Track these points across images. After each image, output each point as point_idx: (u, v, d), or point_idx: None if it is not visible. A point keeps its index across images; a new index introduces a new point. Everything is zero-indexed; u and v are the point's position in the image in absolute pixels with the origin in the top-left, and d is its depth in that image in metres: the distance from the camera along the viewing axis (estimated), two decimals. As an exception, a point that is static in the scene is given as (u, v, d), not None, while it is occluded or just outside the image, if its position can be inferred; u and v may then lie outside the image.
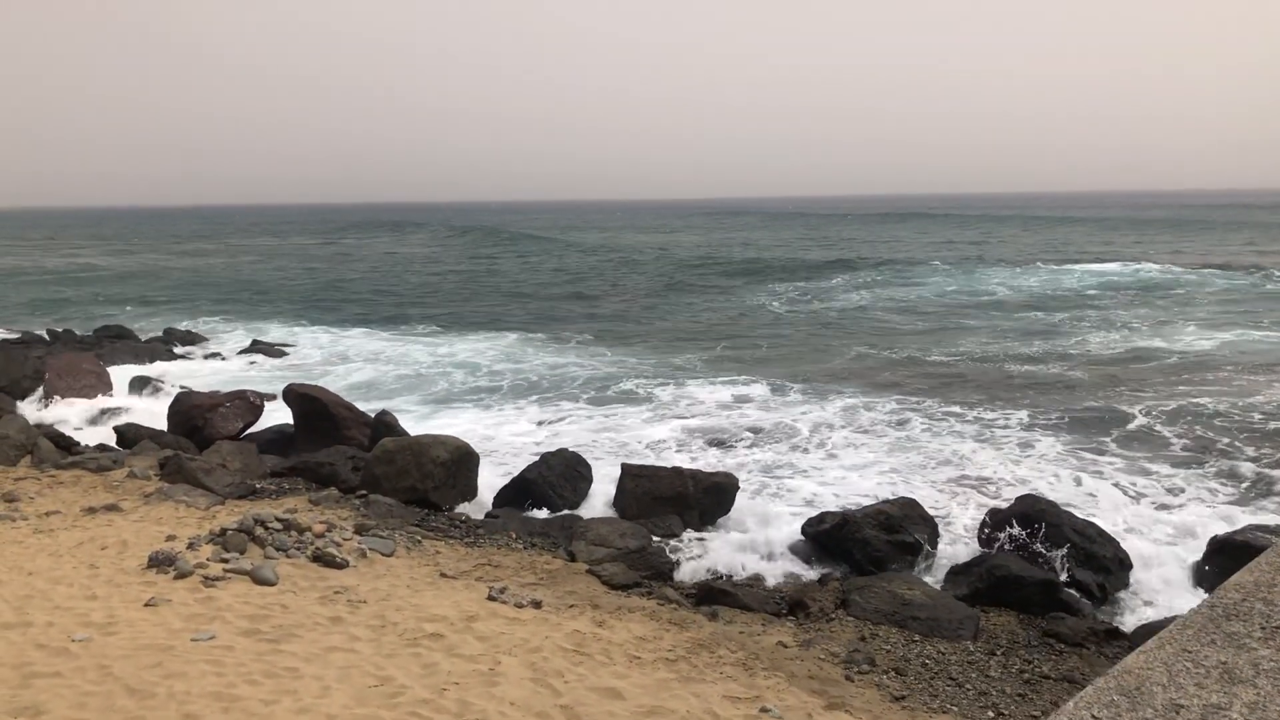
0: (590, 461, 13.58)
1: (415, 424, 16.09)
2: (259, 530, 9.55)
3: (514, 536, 11.30)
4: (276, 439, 15.30)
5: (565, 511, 12.46)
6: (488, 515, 12.42)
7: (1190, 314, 31.48)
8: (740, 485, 12.91)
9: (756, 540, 11.50)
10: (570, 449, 13.85)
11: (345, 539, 10.03)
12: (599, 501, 12.90)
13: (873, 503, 11.80)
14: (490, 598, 8.70)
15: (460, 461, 13.06)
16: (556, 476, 12.83)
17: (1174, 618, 9.16)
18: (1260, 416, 17.05)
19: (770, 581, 10.48)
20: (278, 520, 9.77)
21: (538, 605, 8.69)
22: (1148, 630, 9.17)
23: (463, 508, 12.69)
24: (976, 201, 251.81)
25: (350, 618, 7.89)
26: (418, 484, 12.72)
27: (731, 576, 10.57)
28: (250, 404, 15.69)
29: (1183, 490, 13.13)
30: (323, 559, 9.32)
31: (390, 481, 12.75)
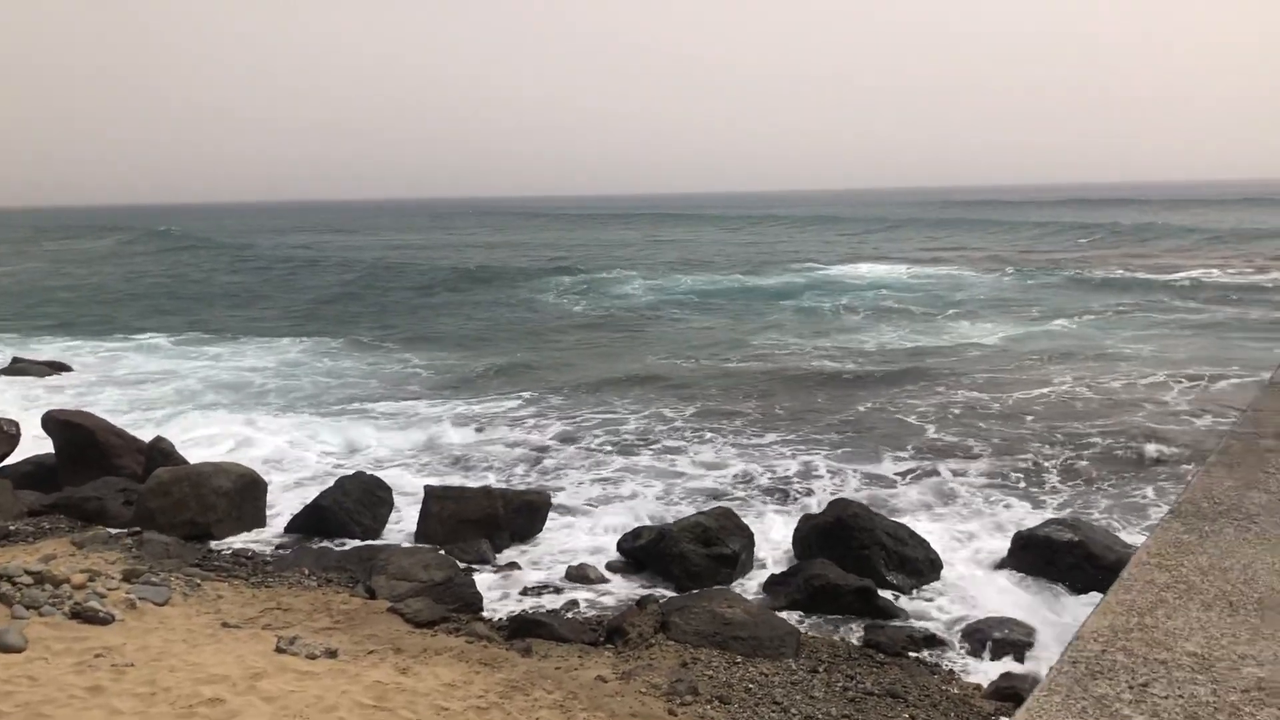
0: (391, 484, 12.76)
1: (195, 450, 14.79)
2: (4, 586, 8.36)
3: (307, 573, 10.39)
4: (35, 472, 13.74)
5: (365, 541, 11.61)
6: (278, 548, 11.45)
7: (967, 311, 32.91)
8: (553, 502, 12.40)
9: (571, 561, 11.01)
10: (369, 471, 12.99)
11: (111, 588, 8.92)
12: (403, 527, 12.12)
13: (689, 514, 11.49)
14: (279, 649, 7.84)
15: (245, 490, 12.02)
16: (354, 502, 11.95)
17: (994, 616, 9.40)
18: (1044, 409, 17.78)
19: (586, 606, 9.98)
20: (28, 574, 8.58)
21: (333, 655, 7.89)
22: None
23: (250, 541, 11.66)
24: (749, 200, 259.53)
25: (113, 686, 6.91)
26: (198, 517, 11.62)
27: (546, 605, 10.01)
28: (2, 433, 14.04)
29: (985, 487, 13.40)
30: (83, 615, 8.23)
31: (167, 516, 11.60)
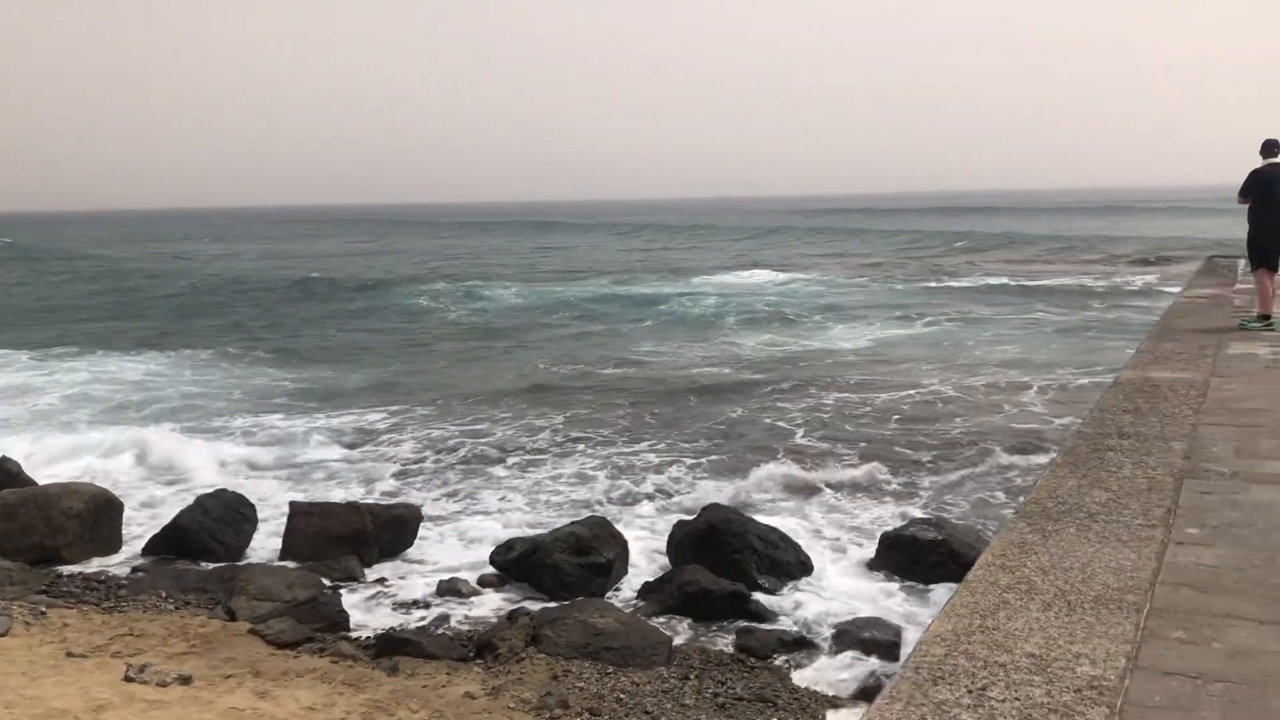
0: (256, 501, 12.35)
1: (48, 469, 14.08)
2: None
3: (164, 595, 9.97)
4: None
5: (228, 561, 11.19)
6: (134, 571, 10.95)
7: (839, 316, 33.57)
8: (424, 516, 12.17)
9: (442, 575, 10.81)
10: (232, 488, 12.55)
11: (-57, 621, 8.41)
12: (267, 545, 11.73)
13: (563, 524, 11.40)
14: (127, 678, 7.48)
15: (99, 511, 11.49)
16: (215, 521, 11.52)
17: (863, 618, 9.56)
18: (911, 410, 18.25)
19: (457, 621, 9.80)
20: None
21: (186, 681, 7.56)
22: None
23: (104, 565, 11.13)
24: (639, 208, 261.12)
25: (-59, 727, 6.50)
26: (46, 540, 11.07)
27: (415, 621, 9.79)
28: None
29: (854, 489, 13.65)
30: (-89, 650, 7.72)
31: (11, 540, 11.01)
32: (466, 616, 9.94)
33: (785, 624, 9.75)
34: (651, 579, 10.63)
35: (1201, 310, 13.59)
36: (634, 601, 10.30)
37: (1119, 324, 29.44)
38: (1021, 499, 6.16)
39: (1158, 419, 7.17)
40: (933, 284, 44.50)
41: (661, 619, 9.80)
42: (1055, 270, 50.40)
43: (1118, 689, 3.24)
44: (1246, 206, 12.01)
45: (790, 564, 10.79)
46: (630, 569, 11.07)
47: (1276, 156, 11.68)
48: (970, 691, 3.19)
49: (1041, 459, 14.33)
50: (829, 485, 13.75)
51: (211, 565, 11.04)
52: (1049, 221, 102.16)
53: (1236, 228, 12.92)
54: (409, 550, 11.59)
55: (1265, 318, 11.88)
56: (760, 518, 11.75)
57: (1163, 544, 4.66)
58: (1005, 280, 44.92)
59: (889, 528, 11.46)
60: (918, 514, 12.27)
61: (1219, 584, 4.20)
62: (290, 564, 11.00)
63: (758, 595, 10.21)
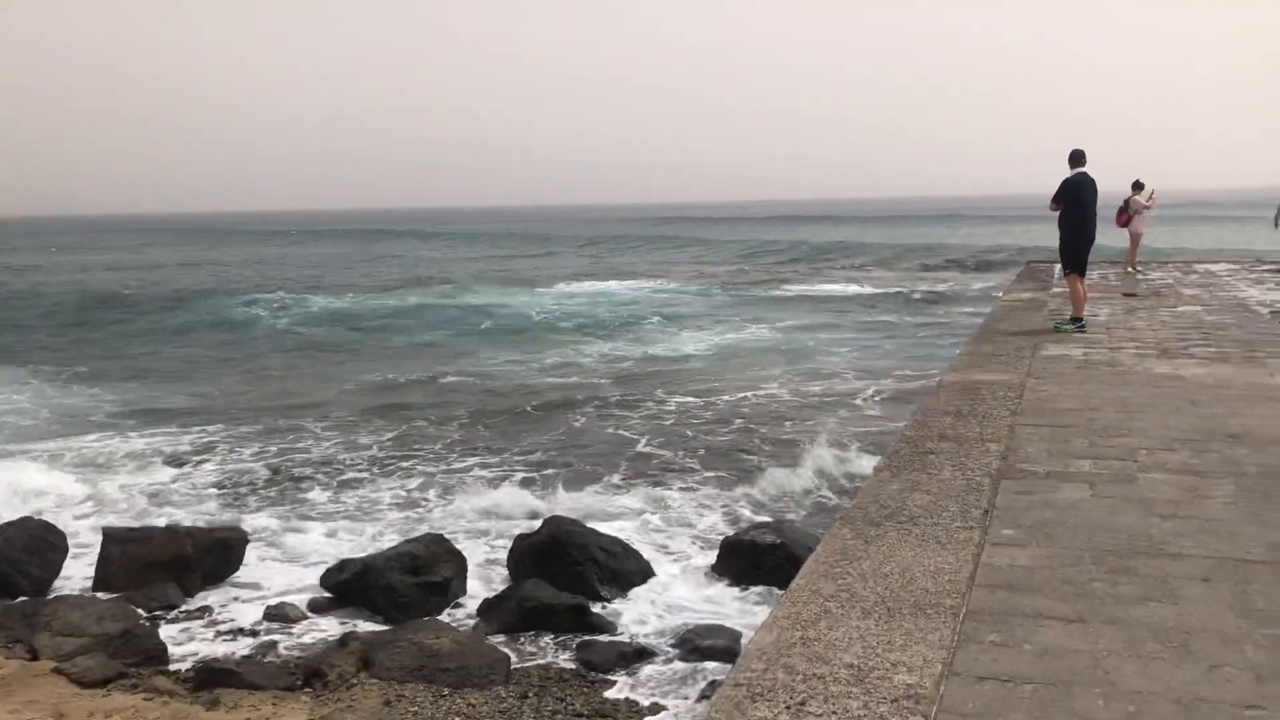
0: (65, 528, 11.57)
1: None
2: None
3: (-44, 637, 9.19)
4: None
5: (32, 596, 10.41)
6: (-76, 611, 10.07)
7: (679, 324, 33.83)
8: (250, 538, 11.62)
9: (270, 600, 10.33)
10: (39, 516, 11.73)
11: None
12: (79, 576, 10.98)
13: (397, 543, 11.06)
14: (-90, 731, 6.85)
15: (-117, 547, 10.53)
16: (18, 551, 10.71)
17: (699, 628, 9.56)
18: (751, 415, 18.51)
19: (285, 649, 9.36)
20: None
21: (-21, 730, 6.97)
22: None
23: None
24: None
25: None
26: None
27: (240, 650, 9.31)
28: None
29: (696, 495, 13.71)
30: None
31: None
32: (295, 643, 9.51)
33: (627, 635, 9.66)
34: (491, 595, 10.40)
35: (1020, 313, 14.18)
36: (473, 620, 10.05)
37: (950, 327, 30.62)
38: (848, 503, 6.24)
39: (977, 421, 7.39)
40: (773, 291, 45.45)
41: (501, 637, 9.59)
42: (891, 277, 52.19)
43: (933, 697, 3.25)
44: (1058, 214, 12.57)
45: (632, 574, 10.73)
46: (470, 586, 10.80)
47: (1084, 166, 12.28)
48: (789, 708, 3.14)
49: (875, 461, 14.70)
50: (671, 493, 13.77)
51: (14, 601, 10.25)
52: (887, 229, 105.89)
53: (1052, 235, 13.52)
54: (235, 575, 11.04)
55: (1077, 320, 12.48)
56: (602, 528, 11.66)
57: (980, 546, 4.75)
58: (843, 286, 46.26)
59: (729, 533, 11.53)
60: (757, 518, 12.39)
61: (1031, 584, 4.29)
62: (104, 595, 10.32)
63: (599, 607, 10.11)
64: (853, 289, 44.82)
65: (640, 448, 16.30)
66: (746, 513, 12.89)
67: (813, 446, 15.88)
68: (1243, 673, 3.46)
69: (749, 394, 20.46)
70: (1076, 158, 12.29)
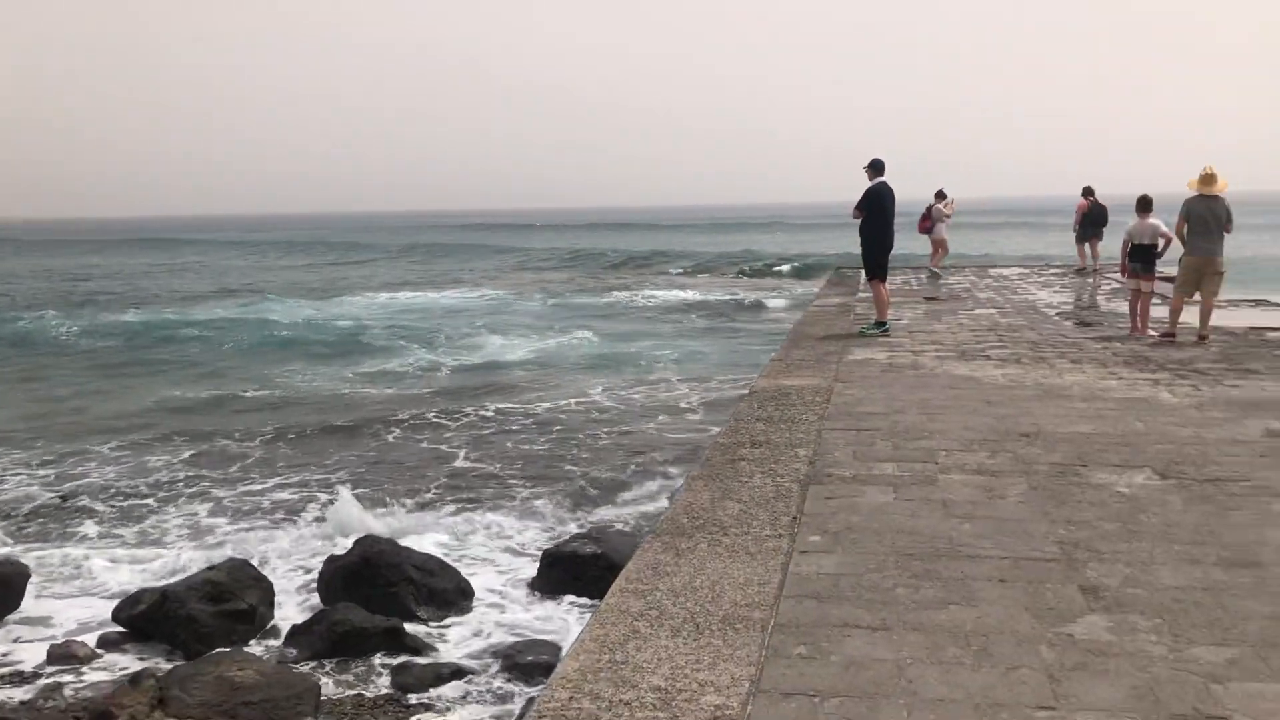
0: None
1: None
2: None
3: None
4: None
5: None
6: None
7: (499, 331, 33.45)
8: (31, 572, 10.75)
9: (56, 638, 9.57)
10: None
11: None
12: None
13: (197, 571, 10.43)
14: None
15: None
16: None
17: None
18: (572, 423, 18.41)
19: (71, 691, 8.67)
20: None
21: None
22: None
23: None
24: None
25: None
26: None
27: (19, 696, 8.56)
28: None
29: (517, 506, 13.50)
30: None
31: None
32: (83, 684, 8.82)
33: (445, 656, 9.39)
34: (301, 621, 9.93)
35: (829, 318, 14.57)
36: (280, 648, 9.56)
37: (768, 333, 31.34)
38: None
39: (787, 426, 7.48)
40: (597, 298, 45.57)
41: (311, 664, 9.16)
42: (714, 283, 53.14)
43: (740, 718, 3.18)
44: (860, 222, 12.90)
45: (450, 592, 10.44)
46: (278, 612, 10.30)
47: (884, 175, 12.69)
48: (593, 741, 3.01)
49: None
50: (490, 506, 13.52)
51: None
52: (711, 236, 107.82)
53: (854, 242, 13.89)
54: (14, 613, 10.19)
55: (881, 324, 12.90)
56: (417, 545, 11.33)
57: (788, 554, 4.75)
58: (667, 293, 46.79)
59: (549, 545, 11.38)
60: (578, 528, 12.28)
61: (838, 592, 4.31)
62: None
63: (416, 628, 9.79)
64: (675, 295, 45.38)
65: (458, 462, 15.95)
66: (567, 523, 12.77)
67: (635, 453, 15.93)
68: (1037, 673, 3.54)
69: (571, 401, 20.36)
70: (877, 166, 12.65)
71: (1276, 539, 4.91)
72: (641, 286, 51.59)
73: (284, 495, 14.28)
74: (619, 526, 12.53)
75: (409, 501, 13.70)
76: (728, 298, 43.96)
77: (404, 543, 11.24)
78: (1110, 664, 3.61)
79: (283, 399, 21.97)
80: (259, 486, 14.78)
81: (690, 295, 45.21)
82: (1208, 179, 11.60)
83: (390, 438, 17.71)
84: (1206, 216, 11.59)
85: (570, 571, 10.68)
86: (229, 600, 9.78)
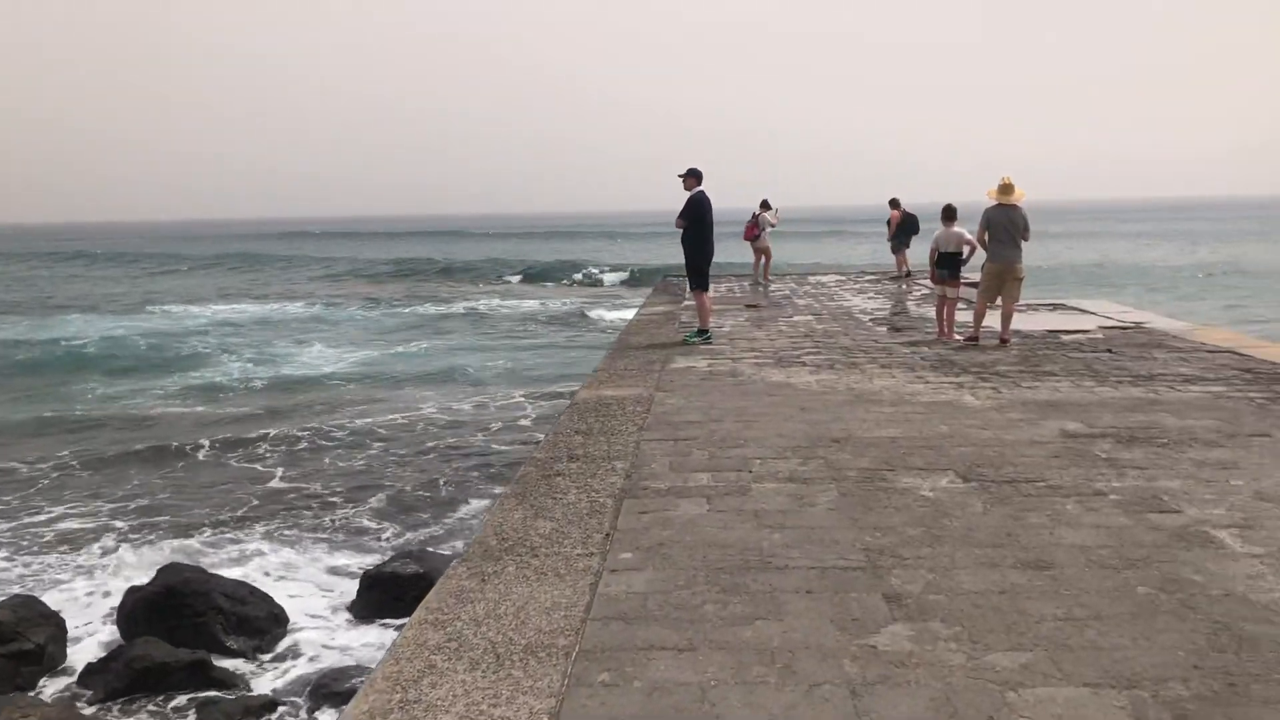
0: None
1: None
2: None
3: None
4: None
5: None
6: None
7: (318, 343, 32.42)
8: None
9: None
10: None
11: None
12: None
13: (-23, 610, 9.60)
14: None
15: None
16: None
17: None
18: (396, 437, 17.92)
19: None
20: None
21: None
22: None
23: None
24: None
25: None
26: None
27: None
28: None
29: (335, 527, 13.00)
30: None
31: None
32: None
33: (255, 688, 8.93)
34: (96, 659, 9.27)
35: (654, 327, 14.60)
36: (73, 689, 8.90)
37: (604, 343, 31.35)
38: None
39: (605, 439, 7.38)
40: (425, 308, 44.74)
41: (106, 704, 8.55)
42: (547, 292, 52.97)
43: (535, 755, 3.04)
44: (682, 231, 12.92)
45: (262, 619, 9.94)
46: (71, 650, 9.59)
47: (703, 184, 12.74)
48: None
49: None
50: (308, 527, 12.99)
51: None
52: (545, 244, 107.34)
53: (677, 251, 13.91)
54: None
55: (704, 332, 12.99)
56: (227, 572, 10.76)
57: (598, 574, 4.64)
58: (500, 302, 46.33)
59: (369, 566, 10.99)
60: (400, 548, 11.92)
61: (645, 612, 4.21)
62: None
63: (226, 661, 9.28)
64: (513, 305, 44.98)
65: (274, 482, 15.26)
66: (389, 543, 12.38)
67: (462, 467, 15.60)
68: (840, 689, 3.52)
69: (399, 416, 19.83)
70: (696, 175, 12.70)
71: (1068, 539, 5.08)
72: (477, 296, 50.94)
73: (79, 524, 13.35)
74: (443, 545, 12.23)
75: (219, 525, 13.03)
76: (564, 307, 43.85)
77: (213, 569, 10.67)
78: (911, 674, 3.63)
79: (82, 420, 20.61)
80: (52, 515, 13.79)
81: (527, 305, 44.90)
82: (1006, 189, 12.14)
83: (200, 456, 16.84)
84: (1005, 225, 12.12)
85: (391, 593, 10.34)
86: (13, 640, 9.06)
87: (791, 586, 4.48)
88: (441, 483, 14.81)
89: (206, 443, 17.71)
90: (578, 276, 62.70)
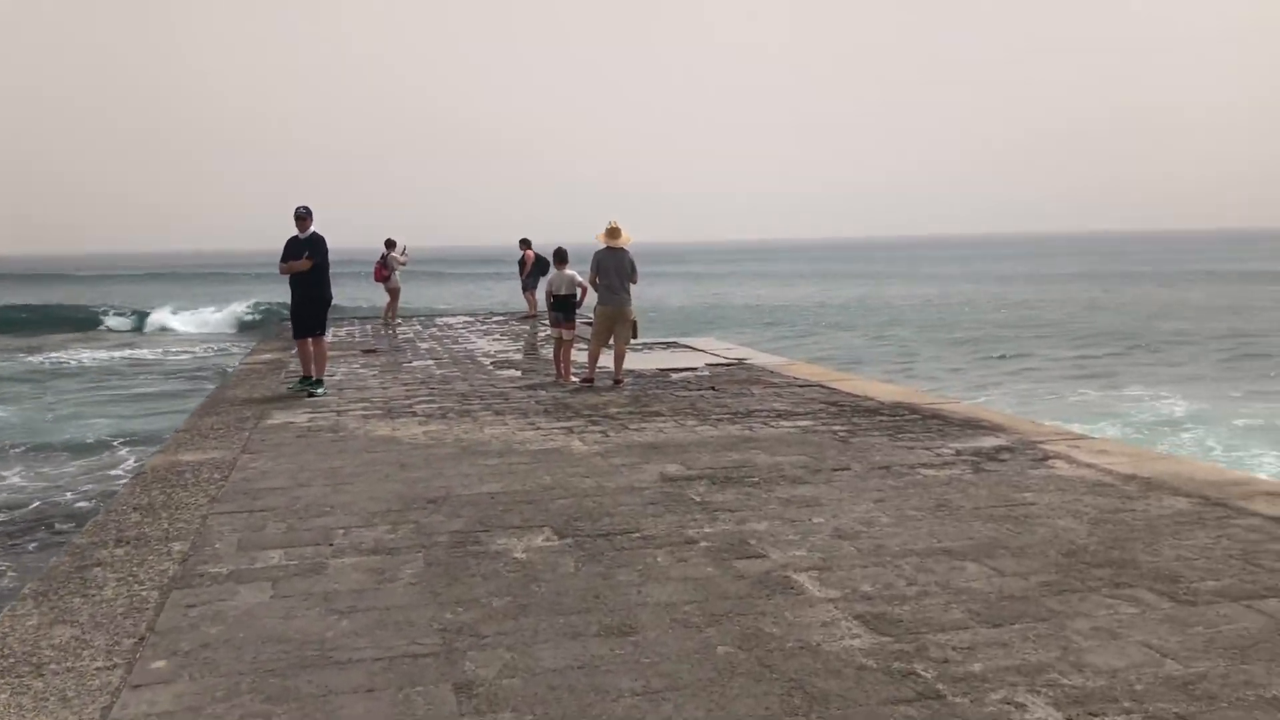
0: None
1: None
2: None
3: None
4: None
5: None
6: None
7: None
8: None
9: None
10: None
11: None
12: None
13: None
14: None
15: None
16: None
17: None
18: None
19: None
20: None
21: None
22: None
23: None
24: None
25: None
26: None
27: None
28: None
29: None
30: None
31: None
32: None
33: None
34: None
35: (257, 377, 13.52)
36: None
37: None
38: None
39: (168, 514, 6.48)
40: (24, 358, 39.66)
41: None
42: (162, 339, 48.64)
43: None
44: (291, 275, 11.93)
45: None
46: None
47: (311, 222, 11.90)
48: None
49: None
50: None
51: None
52: (141, 287, 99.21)
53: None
54: None
55: (314, 381, 12.13)
56: None
57: (117, 692, 3.87)
58: (106, 353, 41.95)
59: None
60: None
61: (165, 739, 3.52)
62: None
63: None
64: (124, 354, 40.79)
65: None
66: None
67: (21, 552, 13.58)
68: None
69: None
70: (308, 215, 11.87)
71: (655, 596, 4.91)
72: (70, 346, 45.82)
73: None
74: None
75: None
76: (185, 354, 40.43)
77: None
78: (468, 783, 3.21)
79: None
80: None
81: (140, 353, 40.91)
82: (613, 233, 12.31)
83: None
84: (614, 268, 12.27)
85: None
86: None
87: (351, 686, 3.94)
88: None
89: None
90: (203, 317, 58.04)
